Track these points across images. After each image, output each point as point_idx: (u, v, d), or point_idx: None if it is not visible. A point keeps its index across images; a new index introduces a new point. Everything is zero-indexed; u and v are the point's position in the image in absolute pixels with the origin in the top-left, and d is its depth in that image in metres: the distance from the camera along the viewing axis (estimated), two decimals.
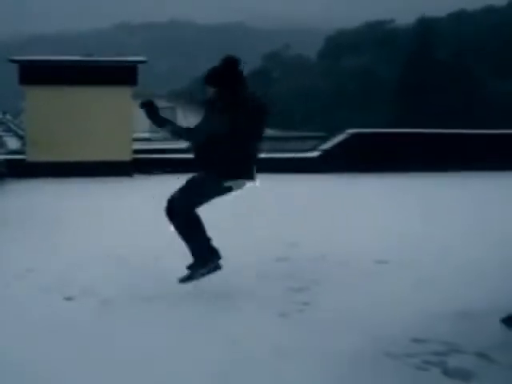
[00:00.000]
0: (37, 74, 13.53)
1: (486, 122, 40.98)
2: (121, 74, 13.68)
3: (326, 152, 14.69)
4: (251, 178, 5.42)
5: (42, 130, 13.55)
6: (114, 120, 13.57)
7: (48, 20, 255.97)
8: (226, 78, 5.23)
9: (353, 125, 19.64)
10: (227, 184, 5.37)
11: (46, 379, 3.93)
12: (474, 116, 57.36)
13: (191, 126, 5.46)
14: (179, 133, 5.39)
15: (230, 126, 5.10)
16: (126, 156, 13.52)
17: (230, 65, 5.28)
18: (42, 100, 13.46)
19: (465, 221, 8.91)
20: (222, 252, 5.55)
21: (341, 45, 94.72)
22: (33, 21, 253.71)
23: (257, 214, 9.12)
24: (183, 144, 6.10)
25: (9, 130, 47.68)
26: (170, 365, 4.13)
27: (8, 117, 68.20)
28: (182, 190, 5.36)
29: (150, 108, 5.27)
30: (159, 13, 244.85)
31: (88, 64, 14.10)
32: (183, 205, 5.33)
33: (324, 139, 17.77)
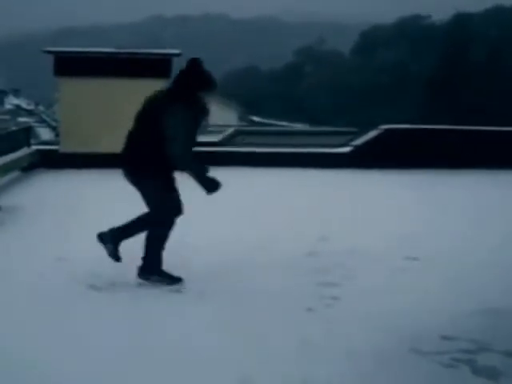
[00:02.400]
0: (71, 65, 13.64)
1: None
2: (155, 67, 13.73)
3: (357, 147, 14.61)
4: None
5: (75, 121, 13.65)
6: None
7: (82, 13, 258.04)
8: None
9: (385, 120, 19.51)
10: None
11: (75, 368, 3.98)
12: (507, 115, 56.56)
13: None
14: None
15: None
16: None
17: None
18: (76, 91, 13.57)
19: (498, 219, 8.82)
20: (253, 244, 5.57)
21: (375, 40, 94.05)
22: (67, 14, 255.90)
23: (287, 209, 9.11)
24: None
25: (41, 120, 48.25)
26: (199, 357, 4.16)
27: (40, 108, 68.91)
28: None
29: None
30: (193, 6, 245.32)
31: (122, 56, 14.18)
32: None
33: (355, 134, 17.69)
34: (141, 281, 5.54)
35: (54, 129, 34.85)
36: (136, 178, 5.45)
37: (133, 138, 5.47)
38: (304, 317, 4.92)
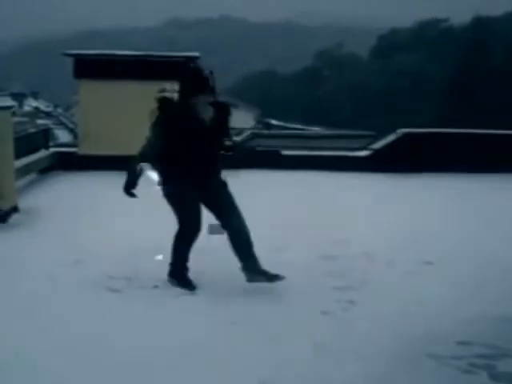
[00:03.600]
0: (91, 67, 13.70)
1: None
2: (174, 70, 13.75)
3: (376, 151, 14.55)
4: None
5: (94, 123, 13.71)
6: None
7: (101, 16, 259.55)
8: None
9: (403, 124, 19.38)
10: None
11: (92, 370, 3.99)
12: None
13: None
14: None
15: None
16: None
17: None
18: (95, 94, 13.63)
19: None
20: (268, 246, 5.56)
21: (393, 44, 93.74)
22: (86, 17, 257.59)
23: (303, 212, 9.09)
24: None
25: (60, 123, 48.50)
26: (211, 355, 4.16)
27: (59, 110, 69.26)
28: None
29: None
30: (211, 9, 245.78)
31: (142, 59, 14.22)
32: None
33: (372, 138, 17.60)
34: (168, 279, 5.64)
35: (72, 131, 35.02)
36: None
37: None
38: (319, 320, 4.90)
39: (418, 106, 72.30)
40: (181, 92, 5.44)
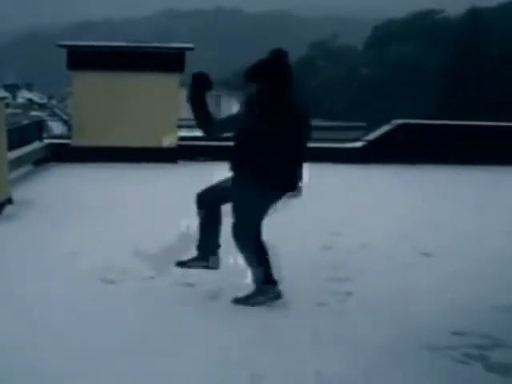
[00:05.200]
0: (84, 59, 13.62)
1: None
2: (168, 61, 13.70)
3: (370, 142, 14.53)
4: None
5: (87, 114, 13.65)
6: (161, 106, 13.61)
7: (95, 7, 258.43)
8: (271, 74, 4.68)
9: (398, 115, 19.36)
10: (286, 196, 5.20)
11: (86, 362, 3.98)
12: None
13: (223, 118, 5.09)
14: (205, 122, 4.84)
15: (279, 130, 4.69)
16: (172, 142, 13.56)
17: (277, 59, 4.73)
18: (89, 85, 13.56)
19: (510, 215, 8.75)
20: (265, 239, 5.53)
21: (388, 35, 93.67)
22: (79, 8, 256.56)
23: (299, 203, 9.07)
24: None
25: (53, 114, 48.32)
26: (204, 350, 4.15)
27: (53, 102, 69.01)
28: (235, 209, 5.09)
29: (200, 83, 4.81)
30: (206, 0, 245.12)
31: (136, 50, 14.15)
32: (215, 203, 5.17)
33: (365, 129, 17.58)
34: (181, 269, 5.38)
35: (65, 123, 34.90)
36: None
37: None
38: (315, 311, 4.90)
39: (414, 97, 72.33)
40: (281, 84, 4.73)
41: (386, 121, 15.57)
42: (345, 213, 8.46)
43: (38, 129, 14.25)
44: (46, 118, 29.67)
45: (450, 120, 16.89)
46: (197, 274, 5.51)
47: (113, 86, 13.65)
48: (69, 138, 14.71)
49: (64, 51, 13.98)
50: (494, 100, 63.06)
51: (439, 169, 12.95)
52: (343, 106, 76.70)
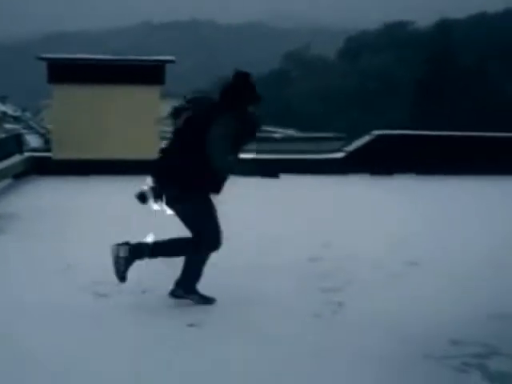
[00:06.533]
0: (65, 72, 13.59)
1: (506, 125, 40.58)
2: (149, 74, 13.73)
3: (350, 153, 14.66)
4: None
5: (68, 128, 13.62)
6: (142, 119, 13.62)
7: (70, 18, 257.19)
8: (242, 95, 5.15)
9: (373, 126, 19.55)
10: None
11: (78, 373, 3.96)
12: (492, 120, 56.90)
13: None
14: None
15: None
16: (154, 155, 13.51)
17: (243, 81, 5.22)
18: (70, 98, 13.54)
19: (501, 224, 8.86)
20: (254, 251, 5.57)
21: (361, 45, 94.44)
22: (54, 19, 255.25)
23: (286, 215, 9.12)
24: None
25: (28, 127, 47.93)
26: (203, 365, 4.14)
27: (27, 114, 68.43)
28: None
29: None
30: (181, 12, 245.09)
31: (116, 63, 14.17)
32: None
33: (344, 140, 17.74)
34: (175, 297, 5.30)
35: (42, 136, 34.66)
36: (176, 200, 5.11)
37: (172, 156, 5.17)
38: (312, 323, 4.92)
39: (387, 108, 72.88)
40: (238, 99, 5.13)
41: (361, 131, 15.77)
42: (332, 223, 8.51)
43: (17, 142, 14.19)
44: (21, 131, 29.46)
45: (424, 129, 17.14)
46: None
47: (93, 99, 13.65)
48: (47, 150, 14.67)
49: (42, 64, 13.94)
50: (467, 108, 63.81)
51: (419, 178, 13.11)
52: (317, 116, 76.98)
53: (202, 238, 5.09)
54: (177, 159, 5.06)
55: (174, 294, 5.29)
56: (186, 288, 5.26)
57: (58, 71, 13.70)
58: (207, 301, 5.28)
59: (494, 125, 41.83)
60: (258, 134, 5.39)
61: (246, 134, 5.16)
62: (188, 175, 4.99)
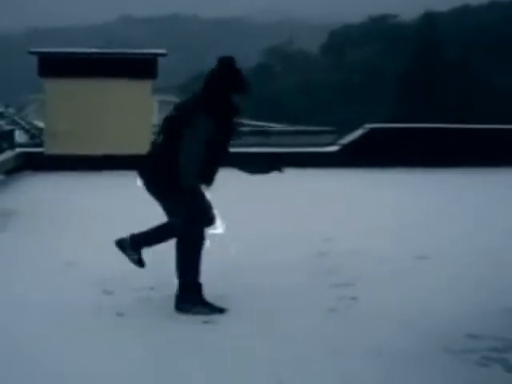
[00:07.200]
0: (57, 66, 13.47)
1: (492, 117, 40.78)
2: (141, 67, 13.64)
3: (345, 146, 14.66)
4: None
5: (60, 122, 13.51)
6: (134, 113, 13.52)
7: (48, 14, 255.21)
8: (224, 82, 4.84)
9: (356, 119, 19.60)
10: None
11: (82, 372, 3.89)
12: (478, 111, 57.25)
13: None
14: None
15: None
16: (146, 149, 13.43)
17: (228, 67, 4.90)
18: (62, 92, 13.42)
19: (507, 219, 8.86)
20: (258, 250, 5.51)
21: (345, 39, 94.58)
22: (32, 14, 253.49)
23: (285, 210, 9.08)
24: None
25: (13, 123, 47.51)
26: (219, 362, 4.09)
27: (11, 110, 67.81)
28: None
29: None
30: (162, 6, 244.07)
31: (108, 56, 14.06)
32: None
33: (336, 133, 17.74)
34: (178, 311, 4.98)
35: (27, 131, 34.38)
36: (158, 190, 4.99)
37: (157, 149, 5.05)
38: (328, 318, 4.88)
39: (372, 101, 73.03)
40: (222, 85, 4.82)
41: (347, 125, 15.84)
42: (333, 217, 8.48)
43: (8, 138, 14.06)
44: (6, 127, 29.22)
45: (409, 122, 17.23)
46: None
47: (85, 93, 13.55)
48: (36, 146, 14.55)
49: (25, 58, 13.81)
50: (452, 102, 64.13)
51: (415, 172, 13.11)
52: (301, 110, 76.95)
53: (194, 213, 4.82)
54: (163, 155, 4.91)
55: (178, 308, 4.94)
56: (188, 298, 4.92)
57: (50, 65, 13.57)
58: (212, 311, 4.91)
59: (479, 117, 42.02)
60: (239, 128, 5.28)
61: (227, 131, 4.91)
62: (174, 171, 4.75)
